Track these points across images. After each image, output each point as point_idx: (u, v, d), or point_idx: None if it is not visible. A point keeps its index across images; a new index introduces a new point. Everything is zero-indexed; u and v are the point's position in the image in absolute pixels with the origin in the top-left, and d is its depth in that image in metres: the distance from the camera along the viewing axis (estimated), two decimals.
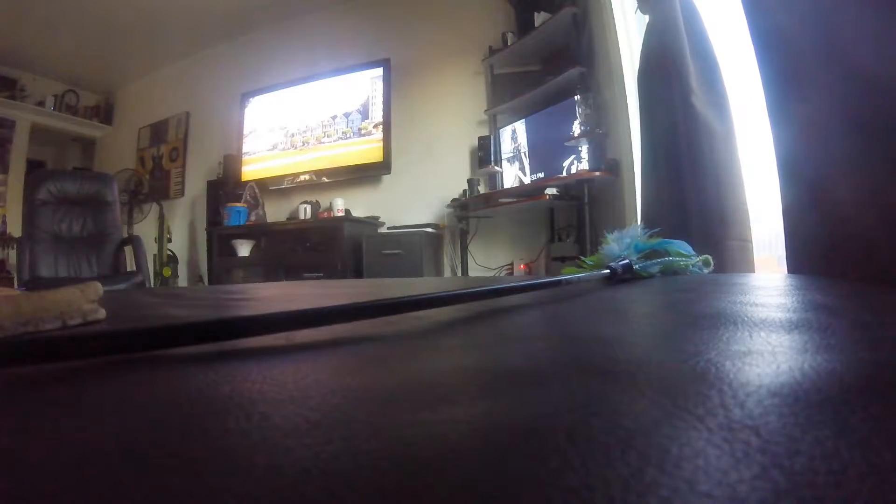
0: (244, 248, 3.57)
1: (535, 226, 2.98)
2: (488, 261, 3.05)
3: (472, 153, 3.16)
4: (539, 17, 2.72)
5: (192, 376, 0.17)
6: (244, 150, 3.92)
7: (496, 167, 2.98)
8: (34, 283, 2.45)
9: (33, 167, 4.33)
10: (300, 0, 3.65)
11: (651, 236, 0.64)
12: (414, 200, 3.31)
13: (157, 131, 4.65)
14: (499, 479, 0.08)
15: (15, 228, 3.89)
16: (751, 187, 1.40)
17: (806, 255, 0.68)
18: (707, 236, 1.35)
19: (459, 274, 3.06)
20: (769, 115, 0.74)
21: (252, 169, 3.86)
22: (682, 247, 0.65)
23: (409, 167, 3.36)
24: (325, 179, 3.53)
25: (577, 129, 2.50)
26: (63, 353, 0.19)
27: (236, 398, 0.14)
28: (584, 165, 2.46)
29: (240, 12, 3.74)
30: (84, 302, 0.31)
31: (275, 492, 0.08)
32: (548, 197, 2.51)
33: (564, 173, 2.56)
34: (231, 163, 3.92)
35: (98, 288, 0.32)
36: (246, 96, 3.97)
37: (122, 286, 2.37)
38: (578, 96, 2.50)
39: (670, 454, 0.09)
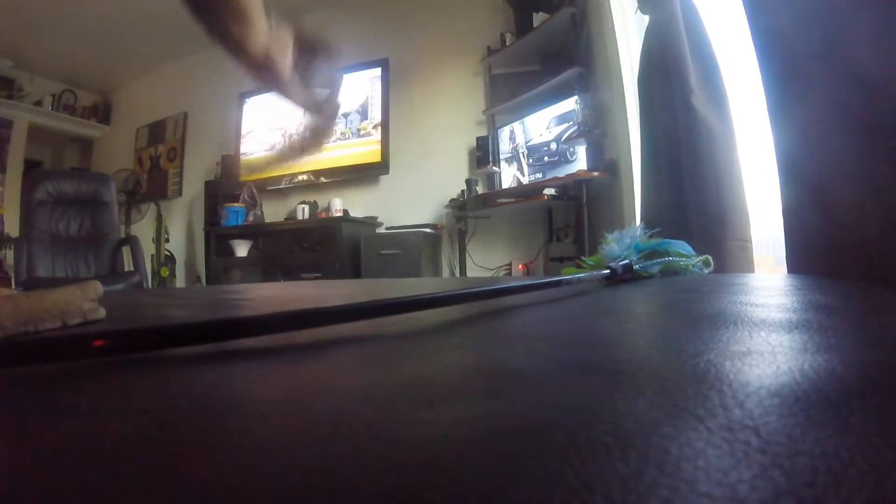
0: (242, 249, 3.57)
1: (534, 226, 2.98)
2: (486, 261, 3.05)
3: (471, 153, 3.16)
4: (538, 18, 2.72)
5: (192, 376, 0.17)
6: (242, 150, 3.92)
7: (494, 167, 2.98)
8: (31, 283, 2.44)
9: (31, 167, 4.33)
10: (300, 0, 3.64)
11: (651, 236, 0.64)
12: (412, 201, 3.32)
13: (155, 131, 4.64)
14: (499, 478, 0.08)
15: (12, 228, 3.88)
16: (751, 187, 1.40)
17: (806, 255, 0.68)
18: (707, 236, 1.35)
19: (458, 274, 3.06)
20: (769, 115, 0.74)
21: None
22: (682, 247, 0.65)
23: (408, 167, 3.36)
24: (323, 180, 3.53)
25: (575, 129, 2.50)
26: (63, 353, 0.19)
27: (236, 398, 0.14)
28: (583, 165, 2.46)
29: None
30: (84, 301, 0.31)
31: (275, 492, 0.08)
32: (546, 197, 2.51)
33: (563, 173, 2.56)
34: (229, 163, 3.92)
35: (98, 287, 0.32)
36: (243, 96, 3.97)
37: (119, 286, 2.37)
38: (577, 96, 2.50)
39: (670, 454, 0.09)
